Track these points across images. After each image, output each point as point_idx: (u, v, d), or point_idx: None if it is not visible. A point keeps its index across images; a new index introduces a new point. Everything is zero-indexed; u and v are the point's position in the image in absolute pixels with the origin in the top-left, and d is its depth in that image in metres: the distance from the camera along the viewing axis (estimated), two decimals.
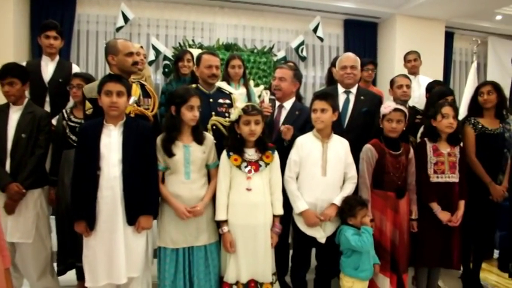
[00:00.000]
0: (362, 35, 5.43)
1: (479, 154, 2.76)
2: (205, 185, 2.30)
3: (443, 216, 2.48)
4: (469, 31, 5.92)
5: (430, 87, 3.26)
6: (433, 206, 2.49)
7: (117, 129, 2.11)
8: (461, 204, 2.54)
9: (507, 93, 6.17)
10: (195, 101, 2.18)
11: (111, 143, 2.09)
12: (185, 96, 2.17)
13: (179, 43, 4.76)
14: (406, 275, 2.51)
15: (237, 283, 2.25)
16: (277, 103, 2.74)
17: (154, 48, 4.67)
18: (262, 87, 3.78)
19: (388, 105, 2.47)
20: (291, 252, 2.63)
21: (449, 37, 5.76)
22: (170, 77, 4.39)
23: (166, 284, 2.20)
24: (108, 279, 2.06)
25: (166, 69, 4.69)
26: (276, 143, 2.45)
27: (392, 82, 3.28)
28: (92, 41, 4.69)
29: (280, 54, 5.00)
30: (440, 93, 2.92)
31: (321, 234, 2.37)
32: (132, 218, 2.10)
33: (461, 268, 2.98)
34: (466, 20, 5.52)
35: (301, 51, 5.06)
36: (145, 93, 2.55)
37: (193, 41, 4.80)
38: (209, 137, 2.34)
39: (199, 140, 2.25)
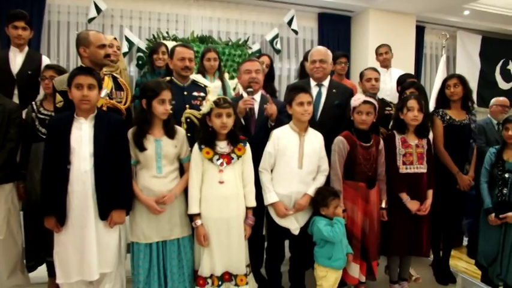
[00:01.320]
0: (336, 29, 5.47)
1: (447, 145, 2.84)
2: (178, 179, 2.29)
3: (412, 205, 2.55)
4: (439, 25, 6.08)
5: (401, 80, 3.33)
6: (402, 196, 2.56)
7: (88, 122, 2.08)
8: (430, 193, 2.62)
9: (475, 85, 6.44)
10: (166, 95, 2.16)
11: (82, 136, 2.05)
12: (156, 89, 2.15)
13: (153, 35, 4.68)
14: (376, 262, 2.58)
15: (211, 276, 2.26)
16: (247, 95, 2.71)
17: (127, 40, 4.57)
18: (236, 80, 3.79)
19: (357, 98, 2.51)
20: (266, 244, 2.65)
21: (420, 31, 5.89)
22: (144, 70, 4.32)
23: (141, 280, 2.19)
24: (79, 276, 2.04)
25: (140, 62, 4.60)
26: (257, 134, 2.47)
27: (361, 75, 3.32)
28: (63, 32, 4.54)
29: (255, 47, 4.99)
30: (405, 86, 3.00)
31: (294, 226, 2.41)
32: (104, 213, 2.07)
33: (432, 256, 3.10)
34: (436, 14, 5.66)
35: (276, 44, 5.06)
36: (118, 86, 2.50)
37: (167, 33, 4.72)
38: (181, 130, 2.33)
39: (171, 133, 2.23)
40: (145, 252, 2.21)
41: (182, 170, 2.34)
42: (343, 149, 2.47)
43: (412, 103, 2.57)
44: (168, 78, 2.64)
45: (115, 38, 3.57)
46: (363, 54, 5.32)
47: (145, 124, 2.19)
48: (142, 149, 2.16)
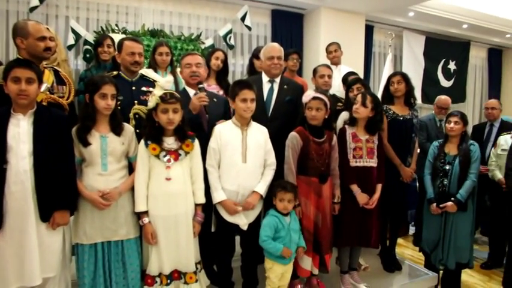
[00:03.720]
0: (289, 26, 5.53)
1: (390, 139, 2.95)
2: (125, 177, 2.21)
3: (361, 198, 2.62)
4: (387, 25, 6.33)
5: (344, 79, 3.45)
6: (353, 188, 2.62)
7: (26, 118, 1.95)
8: (378, 187, 2.69)
9: (420, 83, 6.80)
10: (108, 89, 2.07)
11: (20, 133, 1.92)
12: (98, 83, 2.06)
13: (101, 27, 4.47)
14: (329, 256, 2.63)
15: (159, 275, 2.21)
16: (190, 90, 2.65)
17: (73, 32, 4.34)
18: None
19: (308, 95, 2.54)
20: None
21: (369, 30, 6.09)
22: (92, 63, 4.14)
23: (86, 282, 2.11)
24: (19, 282, 1.92)
25: (87, 55, 4.39)
26: (210, 130, 2.43)
27: (314, 71, 3.39)
28: (1, 21, 4.21)
29: (208, 42, 4.92)
30: (353, 82, 3.10)
31: (243, 221, 2.40)
32: (45, 214, 1.97)
33: (380, 245, 3.23)
34: (384, 14, 5.89)
35: (229, 40, 5.03)
36: (60, 80, 2.39)
37: (116, 25, 4.53)
38: (129, 128, 2.25)
39: (118, 130, 2.16)
40: (90, 253, 2.13)
41: (132, 168, 2.26)
42: (296, 144, 2.49)
43: (359, 98, 2.65)
44: (115, 72, 2.55)
45: (47, 29, 3.38)
46: (314, 51, 5.42)
47: (89, 119, 2.10)
48: (86, 144, 2.07)
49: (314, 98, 2.49)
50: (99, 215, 2.11)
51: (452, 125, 2.99)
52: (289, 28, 5.53)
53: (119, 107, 2.23)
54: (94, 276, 2.13)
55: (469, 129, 4.60)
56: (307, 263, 2.53)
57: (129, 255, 2.20)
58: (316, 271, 2.57)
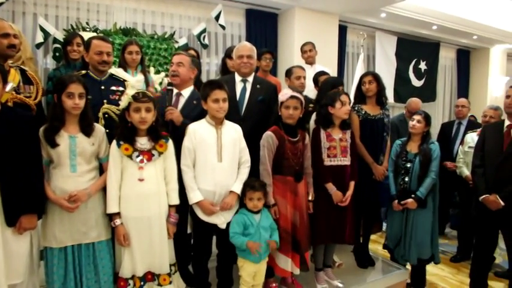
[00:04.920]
0: (263, 25, 5.54)
1: (362, 138, 2.99)
2: (95, 179, 2.17)
3: (336, 196, 2.65)
4: (360, 26, 6.45)
5: (316, 78, 3.48)
6: (328, 187, 2.65)
7: None
8: (351, 185, 2.73)
9: (392, 82, 6.95)
10: (75, 88, 2.02)
11: None
12: (64, 82, 2.01)
13: (71, 25, 4.35)
14: (308, 253, 2.66)
15: (132, 277, 2.18)
16: (175, 91, 2.66)
17: (42, 29, 4.20)
18: (163, 74, 3.69)
19: (285, 93, 2.55)
20: (192, 241, 2.61)
21: (343, 30, 6.18)
22: (61, 62, 4.02)
23: (56, 287, 2.05)
24: None
25: (57, 54, 4.26)
26: (174, 131, 2.40)
27: (289, 72, 3.41)
28: None
29: (182, 41, 4.87)
30: (333, 82, 3.09)
31: (221, 220, 2.39)
32: (11, 219, 1.90)
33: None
34: (357, 15, 5.99)
35: (203, 39, 4.99)
36: (27, 80, 2.32)
37: (87, 23, 4.43)
38: (99, 128, 2.21)
39: (87, 130, 2.11)
40: (60, 257, 2.07)
41: (103, 170, 2.22)
42: (272, 143, 2.49)
43: (345, 98, 2.68)
44: (83, 71, 2.49)
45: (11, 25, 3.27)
46: (289, 51, 5.45)
47: (57, 120, 2.04)
48: (53, 145, 2.01)
49: (292, 97, 2.51)
50: (68, 217, 2.06)
51: (414, 122, 3.07)
52: (263, 28, 5.54)
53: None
54: (64, 280, 2.08)
55: (437, 128, 4.77)
56: (286, 263, 2.53)
57: (101, 258, 2.15)
58: (297, 271, 2.57)
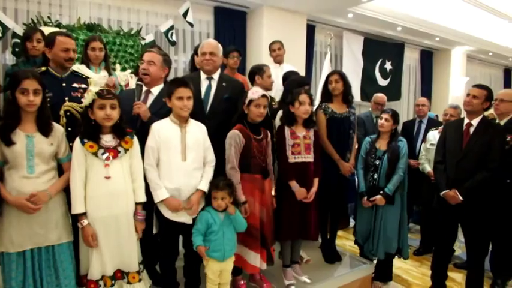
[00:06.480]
0: (232, 23, 5.52)
1: (330, 136, 3.05)
2: (54, 180, 2.09)
3: (300, 194, 2.68)
4: (328, 25, 6.55)
5: (286, 77, 3.51)
6: (291, 184, 2.68)
7: None
8: (315, 181, 2.77)
9: (359, 82, 7.10)
10: (29, 84, 1.94)
11: None
12: (18, 78, 1.93)
13: (32, 19, 4.17)
14: (273, 248, 2.70)
15: (102, 277, 2.13)
16: (145, 88, 2.61)
17: (0, 23, 4.02)
18: (129, 71, 3.60)
19: (256, 91, 2.54)
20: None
21: (311, 30, 6.25)
22: (21, 58, 3.85)
23: None
24: None
25: (16, 49, 4.08)
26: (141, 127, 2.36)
27: (262, 70, 3.41)
28: None
29: (149, 38, 4.76)
30: (299, 82, 3.12)
31: (186, 217, 2.36)
32: None
33: (320, 238, 3.34)
34: (324, 15, 6.07)
35: (171, 36, 4.92)
36: None
37: (49, 18, 4.26)
38: (58, 128, 2.13)
39: (45, 130, 2.03)
40: (18, 262, 1.98)
41: (62, 170, 2.14)
42: (239, 142, 2.48)
43: (304, 97, 2.70)
44: (43, 68, 2.40)
45: None
46: (257, 49, 5.46)
47: (13, 118, 1.95)
48: (9, 143, 1.92)
49: (263, 96, 2.53)
50: (26, 219, 1.97)
51: (383, 121, 3.15)
52: (232, 26, 5.52)
53: (48, 104, 2.09)
54: (23, 286, 1.99)
55: (401, 127, 4.91)
56: (256, 260, 2.54)
57: (62, 261, 2.08)
58: (264, 266, 2.59)
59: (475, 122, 2.92)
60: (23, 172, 1.97)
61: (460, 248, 3.94)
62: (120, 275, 2.18)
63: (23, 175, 1.97)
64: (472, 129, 2.92)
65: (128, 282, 2.19)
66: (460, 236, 3.18)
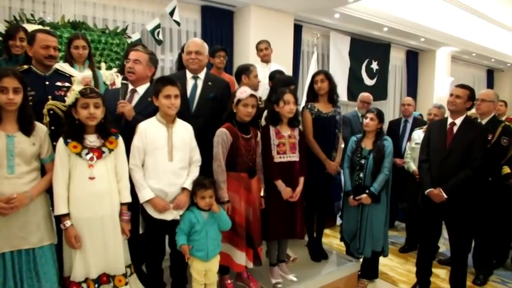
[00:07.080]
0: (219, 22, 5.51)
1: (316, 135, 3.06)
2: (36, 180, 2.05)
3: (286, 193, 2.69)
4: (315, 25, 6.57)
5: (272, 76, 3.52)
6: (277, 184, 2.69)
7: None
8: (301, 180, 2.79)
9: (346, 81, 7.15)
10: (8, 82, 1.90)
11: None
12: None
13: (14, 17, 4.10)
14: (261, 248, 2.69)
15: (86, 280, 2.09)
16: (130, 87, 2.58)
17: None
18: (114, 70, 3.57)
19: (244, 91, 2.54)
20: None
21: (298, 29, 6.27)
22: (3, 56, 3.78)
23: None
24: None
25: None
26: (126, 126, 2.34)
27: (248, 70, 3.41)
28: None
29: (135, 37, 4.72)
30: (284, 81, 3.13)
31: (173, 214, 2.35)
32: None
33: (307, 237, 3.35)
34: (311, 15, 6.10)
35: (158, 35, 4.88)
36: None
37: (32, 15, 4.18)
38: (41, 127, 2.09)
39: (27, 129, 1.99)
40: None
41: (44, 171, 2.11)
42: (226, 140, 2.49)
43: (289, 97, 2.70)
44: (25, 66, 2.35)
45: None
46: (244, 48, 5.45)
47: None
48: None
49: (252, 96, 2.53)
50: (5, 222, 1.92)
51: (368, 120, 3.18)
52: (219, 25, 5.51)
53: (30, 103, 2.05)
54: None
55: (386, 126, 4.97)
56: (242, 258, 2.55)
57: (43, 264, 2.04)
58: (250, 265, 2.59)
59: (458, 121, 2.97)
60: (3, 172, 1.92)
61: (444, 245, 4.00)
62: (105, 279, 2.15)
63: (3, 175, 1.92)
64: (455, 129, 2.97)
65: (114, 286, 2.15)
66: (444, 233, 3.24)
